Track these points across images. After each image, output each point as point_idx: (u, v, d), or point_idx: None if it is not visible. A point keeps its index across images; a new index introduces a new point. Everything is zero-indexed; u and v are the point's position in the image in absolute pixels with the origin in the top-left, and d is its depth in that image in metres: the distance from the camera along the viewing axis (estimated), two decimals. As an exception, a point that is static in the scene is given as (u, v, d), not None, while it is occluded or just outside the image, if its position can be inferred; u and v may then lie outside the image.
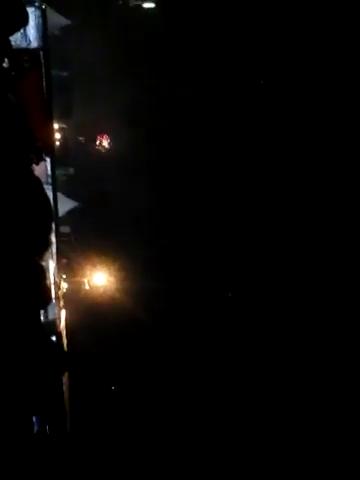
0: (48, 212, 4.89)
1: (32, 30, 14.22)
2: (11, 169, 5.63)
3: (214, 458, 26.61)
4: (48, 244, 4.59)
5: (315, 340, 28.21)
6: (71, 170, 23.87)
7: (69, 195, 23.75)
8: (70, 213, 23.06)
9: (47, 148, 18.47)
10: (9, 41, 7.53)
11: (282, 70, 29.38)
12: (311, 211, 29.74)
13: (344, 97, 28.64)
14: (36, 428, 9.93)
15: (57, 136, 20.87)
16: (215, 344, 28.29)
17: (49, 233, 4.72)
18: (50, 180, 19.83)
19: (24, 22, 7.48)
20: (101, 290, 23.15)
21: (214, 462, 26.51)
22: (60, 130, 20.99)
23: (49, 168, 19.05)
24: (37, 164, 8.86)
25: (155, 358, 26.84)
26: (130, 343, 26.47)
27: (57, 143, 20.89)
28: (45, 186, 20.96)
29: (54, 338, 18.42)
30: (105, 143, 29.86)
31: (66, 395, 14.81)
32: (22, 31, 14.37)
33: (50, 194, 19.93)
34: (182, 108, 29.34)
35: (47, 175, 19.34)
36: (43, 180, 19.46)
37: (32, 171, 7.47)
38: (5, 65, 7.49)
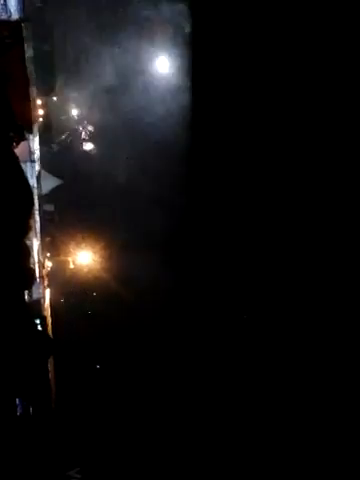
0: (28, 195, 4.73)
1: (13, 1, 13.76)
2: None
3: (208, 446, 26.82)
4: (29, 226, 4.44)
5: (326, 360, 28.40)
6: (55, 147, 23.47)
7: (53, 172, 23.39)
8: (54, 191, 22.71)
9: (29, 124, 18.12)
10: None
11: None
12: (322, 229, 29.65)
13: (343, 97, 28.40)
14: (19, 410, 9.81)
15: (40, 112, 20.45)
16: (199, 323, 28.32)
17: (29, 216, 4.56)
18: (33, 157, 19.50)
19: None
20: (86, 269, 22.97)
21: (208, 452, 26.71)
22: (43, 106, 20.55)
23: (32, 145, 18.71)
24: (18, 144, 8.55)
25: (141, 338, 26.82)
26: (115, 322, 26.38)
27: (40, 119, 20.47)
28: (28, 164, 20.59)
29: (38, 320, 18.29)
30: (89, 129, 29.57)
31: (51, 376, 14.71)
32: (2, 2, 13.92)
33: (33, 172, 19.64)
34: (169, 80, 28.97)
35: (30, 152, 19.01)
36: (26, 158, 19.15)
37: (12, 151, 7.19)
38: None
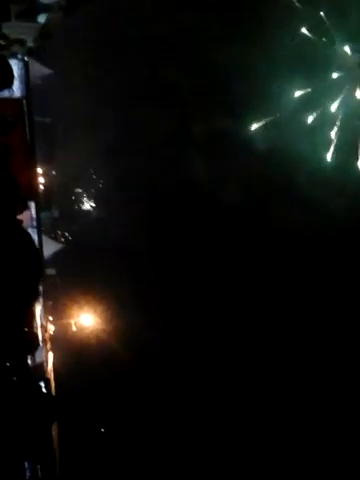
0: (38, 264, 5.12)
1: (15, 81, 14.64)
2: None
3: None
4: (38, 294, 4.82)
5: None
6: (55, 213, 24.14)
7: (54, 237, 23.99)
8: (55, 255, 23.20)
9: (31, 193, 18.85)
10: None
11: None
12: None
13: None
14: (28, 474, 9.97)
15: (41, 180, 21.22)
16: (206, 386, 28.25)
17: (38, 283, 4.94)
18: (35, 223, 20.11)
19: (9, 83, 7.82)
20: (88, 331, 23.17)
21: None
22: (44, 174, 21.36)
23: (34, 212, 19.36)
24: (21, 213, 9.12)
25: (144, 398, 26.70)
26: (118, 384, 26.32)
27: (41, 187, 21.21)
28: (30, 229, 21.27)
29: (42, 383, 18.39)
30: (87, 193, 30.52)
31: (55, 439, 14.76)
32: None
33: (35, 237, 20.18)
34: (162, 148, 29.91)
35: (32, 218, 19.63)
36: (28, 224, 19.78)
37: (18, 220, 7.72)
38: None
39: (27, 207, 11.78)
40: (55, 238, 24.18)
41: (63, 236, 26.80)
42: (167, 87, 29.15)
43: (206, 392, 27.87)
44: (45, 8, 8.31)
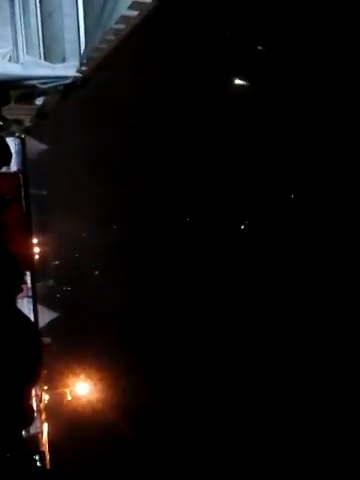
0: (37, 346, 5.30)
1: (12, 157, 15.27)
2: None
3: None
4: (39, 376, 5.00)
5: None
6: (50, 281, 24.42)
7: (49, 306, 24.12)
8: (50, 323, 23.31)
9: (28, 263, 19.14)
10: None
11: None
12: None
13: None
14: None
15: (36, 250, 21.62)
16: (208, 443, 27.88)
17: (40, 366, 5.10)
18: (30, 293, 20.32)
19: (8, 162, 8.37)
20: (83, 400, 22.96)
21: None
22: (39, 244, 21.80)
23: (29, 282, 19.61)
24: (19, 292, 9.42)
25: (142, 467, 26.21)
26: (115, 454, 25.88)
27: (36, 257, 21.57)
28: (26, 299, 21.46)
29: (37, 457, 18.13)
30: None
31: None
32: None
33: (31, 307, 20.35)
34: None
35: (28, 289, 19.86)
36: (24, 294, 19.99)
37: (16, 304, 8.02)
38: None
39: (25, 282, 12.05)
40: (49, 306, 24.34)
41: (58, 305, 27.00)
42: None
43: (208, 449, 27.52)
44: (43, 92, 8.92)
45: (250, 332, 30.02)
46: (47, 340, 23.19)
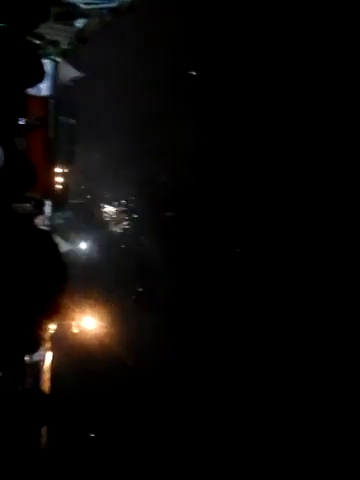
0: (62, 269, 4.87)
1: (45, 80, 14.71)
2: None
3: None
4: (58, 310, 4.56)
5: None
6: (69, 214, 24.17)
7: (64, 237, 23.95)
8: (64, 255, 23.21)
9: (48, 191, 18.87)
10: (25, 96, 7.87)
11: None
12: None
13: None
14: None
15: (58, 180, 21.25)
16: (208, 390, 28.14)
17: (60, 301, 4.68)
18: (47, 222, 20.15)
19: (40, 79, 7.86)
20: (90, 334, 23.05)
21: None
22: (62, 174, 21.40)
23: (48, 211, 19.42)
24: (36, 217, 9.09)
25: (143, 402, 26.62)
26: (116, 389, 26.25)
27: (58, 186, 21.24)
28: (43, 228, 21.29)
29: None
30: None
31: (45, 440, 14.64)
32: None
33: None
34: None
35: (45, 217, 19.67)
36: (40, 223, 19.80)
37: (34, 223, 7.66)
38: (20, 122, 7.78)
39: (42, 212, 11.80)
40: (64, 238, 24.19)
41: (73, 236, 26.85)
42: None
43: (207, 396, 27.81)
44: (85, 14, 8.32)
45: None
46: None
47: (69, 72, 17.12)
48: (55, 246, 5.38)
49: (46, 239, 5.37)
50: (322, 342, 28.31)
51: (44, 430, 12.56)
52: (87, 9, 7.68)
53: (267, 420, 27.58)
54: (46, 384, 20.64)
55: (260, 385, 28.23)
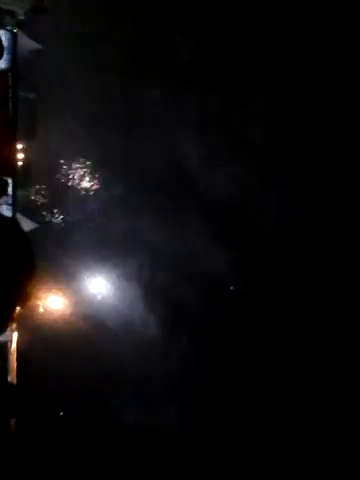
0: (28, 254, 4.67)
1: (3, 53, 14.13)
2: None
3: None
4: (27, 296, 4.35)
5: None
6: (32, 191, 23.65)
7: (28, 215, 23.45)
8: (28, 234, 22.75)
9: (9, 169, 18.35)
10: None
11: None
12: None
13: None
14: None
15: (20, 156, 20.68)
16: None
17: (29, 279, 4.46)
18: (10, 201, 19.66)
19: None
20: (56, 314, 22.82)
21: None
22: (23, 151, 20.82)
23: (10, 189, 18.89)
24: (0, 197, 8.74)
25: (112, 386, 26.55)
26: (84, 369, 26.08)
27: (19, 163, 20.68)
28: (4, 206, 20.74)
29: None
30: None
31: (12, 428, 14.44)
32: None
33: (9, 213, 19.75)
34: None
35: (8, 195, 19.18)
36: (3, 201, 19.27)
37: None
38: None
39: (6, 192, 11.42)
40: (30, 217, 23.69)
41: (36, 215, 26.31)
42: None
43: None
44: (41, -19, 7.87)
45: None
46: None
47: (28, 44, 16.46)
48: (22, 233, 5.12)
49: (12, 226, 5.08)
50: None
51: (12, 422, 12.37)
52: (44, -23, 7.25)
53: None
54: (13, 365, 20.40)
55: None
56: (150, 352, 27.76)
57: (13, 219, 5.57)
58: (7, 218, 5.38)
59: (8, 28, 12.96)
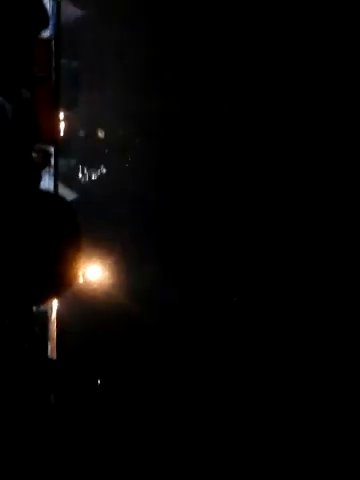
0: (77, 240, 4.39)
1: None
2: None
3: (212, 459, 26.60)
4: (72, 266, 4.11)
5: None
6: (73, 161, 23.59)
7: (69, 185, 23.48)
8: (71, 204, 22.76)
9: (52, 138, 18.22)
10: (32, 43, 7.28)
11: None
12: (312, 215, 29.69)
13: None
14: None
15: (62, 125, 20.55)
16: (217, 348, 28.14)
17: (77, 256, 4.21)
18: (52, 170, 19.61)
19: (45, 25, 7.28)
20: (96, 284, 22.88)
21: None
22: (65, 120, 20.68)
23: (52, 159, 18.81)
24: (43, 169, 8.59)
25: (150, 358, 26.69)
26: (124, 341, 26.29)
27: (62, 133, 20.56)
28: (47, 175, 20.72)
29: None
30: (100, 135, 29.61)
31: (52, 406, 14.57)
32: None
33: (51, 183, 19.75)
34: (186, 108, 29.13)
35: (50, 166, 19.12)
36: (45, 170, 19.22)
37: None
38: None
39: (49, 163, 11.26)
40: (70, 186, 23.72)
41: (77, 185, 26.32)
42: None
43: (218, 359, 27.90)
44: None
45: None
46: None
47: (71, 11, 16.12)
48: (67, 205, 4.91)
49: (56, 200, 4.90)
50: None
51: (52, 397, 12.43)
52: None
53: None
54: (53, 334, 20.60)
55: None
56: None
57: (56, 195, 5.36)
58: (53, 194, 5.19)
59: (52, -4, 12.69)
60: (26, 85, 7.29)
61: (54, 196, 5.03)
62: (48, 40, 14.06)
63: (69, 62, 18.19)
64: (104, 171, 28.78)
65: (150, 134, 29.51)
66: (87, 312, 24.03)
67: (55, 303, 21.42)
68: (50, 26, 14.09)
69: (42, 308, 20.26)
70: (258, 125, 29.37)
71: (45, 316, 20.53)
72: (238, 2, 28.28)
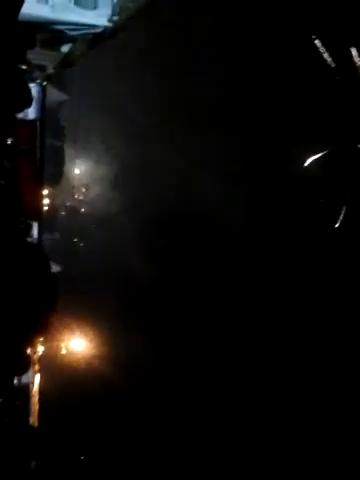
0: (53, 287, 5.01)
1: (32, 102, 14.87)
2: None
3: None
4: (47, 328, 4.67)
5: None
6: (57, 235, 24.20)
7: (52, 258, 23.93)
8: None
9: (36, 214, 18.92)
10: (15, 120, 7.99)
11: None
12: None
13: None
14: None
15: (45, 201, 21.33)
16: (197, 411, 27.97)
17: (51, 311, 4.81)
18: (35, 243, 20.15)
19: (28, 104, 8.04)
20: (79, 356, 22.88)
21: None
22: (49, 195, 21.48)
23: (36, 233, 19.44)
24: (26, 236, 9.16)
25: (131, 427, 26.41)
26: (105, 411, 26.05)
27: (45, 208, 21.31)
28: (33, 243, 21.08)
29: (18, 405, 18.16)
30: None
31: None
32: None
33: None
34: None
35: (34, 239, 19.69)
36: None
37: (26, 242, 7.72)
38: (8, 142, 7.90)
39: (30, 234, 11.86)
40: (52, 259, 24.17)
41: (61, 258, 26.81)
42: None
43: (203, 415, 27.67)
44: (70, 39, 8.51)
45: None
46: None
47: (56, 96, 17.28)
48: (46, 263, 5.51)
49: (37, 254, 5.49)
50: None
51: (33, 464, 12.44)
52: (73, 35, 7.87)
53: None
54: (35, 407, 20.44)
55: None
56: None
57: (45, 258, 5.93)
58: (42, 256, 5.72)
59: (37, 81, 13.72)
60: (8, 157, 7.97)
61: (42, 261, 5.53)
62: (33, 121, 15.05)
63: (53, 141, 19.18)
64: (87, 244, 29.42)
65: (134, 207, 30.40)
66: (69, 384, 23.92)
67: (37, 376, 21.36)
68: (36, 108, 15.12)
69: (24, 381, 20.21)
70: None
71: (27, 389, 20.42)
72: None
